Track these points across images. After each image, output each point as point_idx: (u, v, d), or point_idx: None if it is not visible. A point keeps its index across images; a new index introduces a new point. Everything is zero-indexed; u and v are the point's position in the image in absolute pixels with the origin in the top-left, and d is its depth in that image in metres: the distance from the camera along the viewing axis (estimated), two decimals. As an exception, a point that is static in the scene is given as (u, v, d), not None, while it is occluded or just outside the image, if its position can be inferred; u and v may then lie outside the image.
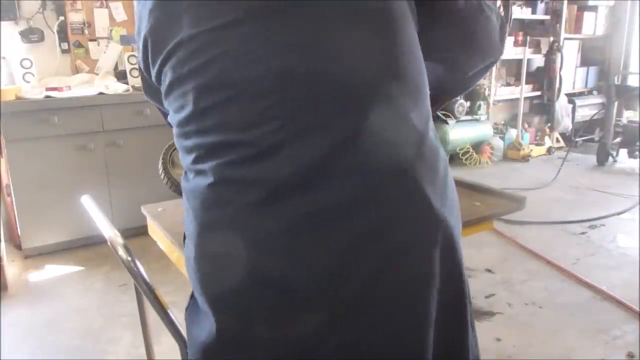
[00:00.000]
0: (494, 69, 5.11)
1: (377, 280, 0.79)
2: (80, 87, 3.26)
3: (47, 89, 3.08)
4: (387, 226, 0.77)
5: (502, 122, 5.59)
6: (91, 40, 3.52)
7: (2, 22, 3.22)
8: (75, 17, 3.45)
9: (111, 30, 3.55)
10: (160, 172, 1.64)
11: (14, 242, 3.25)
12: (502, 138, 5.41)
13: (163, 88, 0.86)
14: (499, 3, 0.99)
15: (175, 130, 0.88)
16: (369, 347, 0.81)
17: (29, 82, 3.19)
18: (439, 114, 4.44)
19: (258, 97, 0.76)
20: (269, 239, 0.77)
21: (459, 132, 4.87)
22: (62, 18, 3.41)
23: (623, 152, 5.15)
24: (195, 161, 0.83)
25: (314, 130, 0.75)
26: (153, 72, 0.87)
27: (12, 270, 2.96)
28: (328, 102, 0.76)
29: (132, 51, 3.52)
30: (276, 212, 0.76)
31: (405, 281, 0.81)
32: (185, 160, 0.87)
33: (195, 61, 0.78)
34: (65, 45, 3.45)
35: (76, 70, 3.50)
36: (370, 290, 0.79)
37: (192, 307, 0.91)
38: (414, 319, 0.82)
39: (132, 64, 3.46)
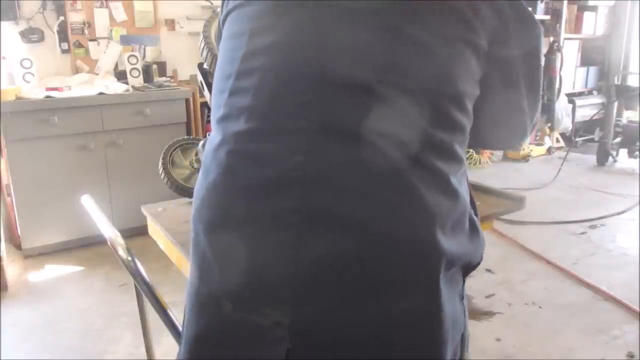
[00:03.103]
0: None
1: (347, 309, 0.77)
2: (80, 87, 3.26)
3: (47, 89, 3.08)
4: (379, 240, 0.75)
5: (502, 122, 5.58)
6: (91, 40, 3.52)
7: (2, 22, 3.22)
8: (75, 17, 3.45)
9: (111, 30, 3.55)
10: (160, 172, 1.64)
11: (14, 242, 3.25)
12: (502, 138, 5.39)
13: (225, 33, 0.90)
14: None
15: (215, 82, 0.90)
16: None
17: (29, 82, 3.19)
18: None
19: (283, 82, 0.79)
20: (258, 224, 0.78)
21: (459, 132, 4.86)
22: (62, 18, 3.41)
23: (623, 152, 5.15)
24: (222, 120, 0.85)
25: (311, 126, 0.77)
26: (223, 14, 0.91)
27: (12, 270, 2.96)
28: (329, 99, 0.77)
29: (132, 51, 3.52)
30: (273, 197, 0.77)
31: (374, 320, 0.77)
32: (214, 115, 0.88)
33: (263, 20, 0.83)
34: (65, 45, 3.45)
35: (76, 70, 3.50)
36: (336, 316, 0.77)
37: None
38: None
39: (132, 64, 3.46)
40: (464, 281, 0.89)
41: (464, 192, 0.84)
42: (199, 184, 0.87)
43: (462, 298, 0.88)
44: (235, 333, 0.82)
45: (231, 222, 0.81)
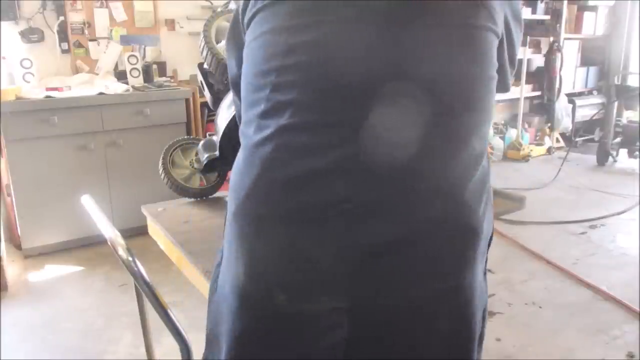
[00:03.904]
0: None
1: (402, 285, 0.82)
2: (80, 87, 3.26)
3: (47, 89, 3.08)
4: (426, 226, 0.81)
5: (502, 122, 5.59)
6: (91, 40, 3.52)
7: (2, 22, 3.21)
8: (75, 17, 3.45)
9: (111, 30, 3.54)
10: (160, 172, 1.64)
11: (14, 242, 3.25)
12: (502, 138, 5.40)
13: (251, 34, 0.88)
14: None
15: (247, 78, 0.89)
16: (377, 351, 0.84)
17: (29, 82, 3.19)
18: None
19: (330, 77, 0.81)
20: (308, 214, 0.81)
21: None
22: (62, 18, 3.41)
23: (623, 152, 5.15)
24: (263, 114, 0.85)
25: (360, 119, 0.79)
26: (248, 15, 0.89)
27: (12, 270, 2.96)
28: (333, 98, 0.80)
29: (132, 51, 3.52)
30: (322, 187, 0.80)
31: (429, 294, 0.84)
32: (251, 111, 0.88)
33: (301, 18, 0.82)
34: (65, 45, 3.45)
35: (76, 70, 3.50)
36: (393, 294, 0.82)
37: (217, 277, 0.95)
38: (424, 337, 0.86)
39: (132, 64, 3.46)
40: (487, 255, 0.95)
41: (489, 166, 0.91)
42: (239, 180, 0.87)
43: (485, 272, 0.94)
44: (290, 324, 0.85)
45: (281, 214, 0.82)
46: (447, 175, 0.81)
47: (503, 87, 1.00)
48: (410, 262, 0.81)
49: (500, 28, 0.88)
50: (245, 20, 0.91)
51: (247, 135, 0.88)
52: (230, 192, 0.90)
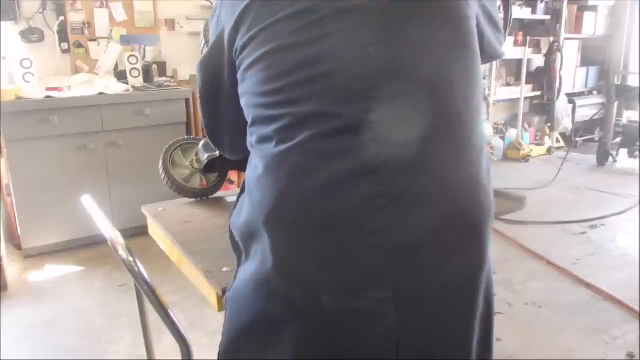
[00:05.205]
0: (494, 69, 5.12)
1: (439, 268, 0.88)
2: (80, 87, 3.26)
3: (47, 89, 3.08)
4: (456, 212, 0.88)
5: (502, 122, 5.59)
6: (91, 40, 3.52)
7: (2, 22, 3.21)
8: (75, 17, 3.45)
9: (111, 30, 3.54)
10: (160, 172, 1.64)
11: (14, 242, 3.25)
12: (502, 138, 5.40)
13: (251, 56, 0.88)
14: (498, 3, 1.06)
15: (254, 99, 0.90)
16: (426, 333, 0.90)
17: (29, 82, 3.19)
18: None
19: (349, 82, 0.84)
20: (345, 216, 0.83)
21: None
22: (62, 18, 3.41)
23: (623, 152, 5.15)
24: (283, 130, 0.86)
25: (384, 118, 0.82)
26: (241, 41, 0.89)
27: (12, 270, 2.96)
28: (350, 103, 0.82)
29: (132, 51, 3.52)
30: (354, 188, 0.82)
31: (462, 272, 0.91)
32: (267, 128, 0.88)
33: (308, 33, 0.83)
34: (65, 45, 3.45)
35: (76, 70, 3.50)
36: (432, 277, 0.87)
37: (242, 283, 0.95)
38: (465, 311, 0.94)
39: (132, 64, 3.46)
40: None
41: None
42: (262, 191, 0.87)
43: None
44: (339, 323, 0.87)
45: (317, 219, 0.84)
46: (465, 166, 0.88)
47: (494, 56, 1.05)
48: (446, 245, 0.86)
49: (475, 8, 0.92)
50: (238, 47, 0.91)
51: (266, 149, 0.88)
52: (252, 204, 0.90)
